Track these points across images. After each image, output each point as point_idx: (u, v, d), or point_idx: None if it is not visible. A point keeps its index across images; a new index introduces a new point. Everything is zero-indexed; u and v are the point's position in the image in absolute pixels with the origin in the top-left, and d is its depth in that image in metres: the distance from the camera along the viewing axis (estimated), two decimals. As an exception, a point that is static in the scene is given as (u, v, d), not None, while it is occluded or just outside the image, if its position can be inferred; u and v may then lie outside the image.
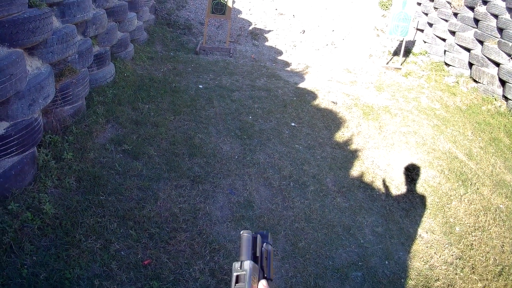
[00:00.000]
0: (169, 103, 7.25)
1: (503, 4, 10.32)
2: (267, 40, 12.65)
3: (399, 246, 5.05)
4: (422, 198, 5.99)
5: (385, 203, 5.74)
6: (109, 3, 7.35)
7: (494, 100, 9.96)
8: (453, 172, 6.72)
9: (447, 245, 5.20)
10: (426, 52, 13.21)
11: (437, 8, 13.10)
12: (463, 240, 5.34)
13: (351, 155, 6.77)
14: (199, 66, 9.82)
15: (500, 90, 10.08)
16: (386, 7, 14.43)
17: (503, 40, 10.03)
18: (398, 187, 6.18)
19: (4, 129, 3.94)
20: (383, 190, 6.06)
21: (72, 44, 5.38)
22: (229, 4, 11.12)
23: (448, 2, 12.53)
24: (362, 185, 6.06)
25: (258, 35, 12.72)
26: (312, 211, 5.23)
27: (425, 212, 5.74)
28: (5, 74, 3.67)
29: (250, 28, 12.97)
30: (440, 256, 5.00)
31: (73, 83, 5.52)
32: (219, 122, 6.98)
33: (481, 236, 5.46)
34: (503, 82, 9.99)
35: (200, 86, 8.41)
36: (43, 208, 3.97)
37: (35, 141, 4.39)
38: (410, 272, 4.68)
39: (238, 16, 13.24)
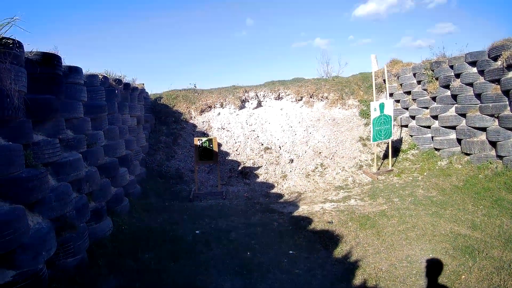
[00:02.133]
0: (168, 251, 7.32)
1: (475, 70, 11.24)
2: (258, 177, 13.12)
3: None
4: (430, 284, 5.92)
5: (393, 302, 5.68)
6: (100, 161, 7.84)
7: (489, 164, 10.33)
8: (458, 249, 6.74)
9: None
10: (414, 146, 13.83)
11: (415, 99, 14.07)
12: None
13: (352, 266, 6.74)
14: (194, 213, 10.02)
15: (493, 152, 10.56)
16: (368, 114, 15.16)
17: (483, 104, 10.73)
18: (403, 282, 6.11)
19: (11, 277, 4.17)
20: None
21: (69, 201, 5.73)
22: (215, 148, 11.74)
23: (424, 89, 13.51)
24: (366, 292, 6.02)
25: (248, 173, 13.22)
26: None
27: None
28: (9, 228, 3.99)
29: (240, 167, 13.53)
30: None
31: (73, 237, 5.74)
32: (218, 262, 6.99)
33: (498, 296, 5.33)
34: (493, 144, 10.48)
35: (197, 232, 8.51)
36: None
37: (40, 290, 4.51)
38: None
39: (227, 158, 13.90)
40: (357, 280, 6.31)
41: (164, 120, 15.31)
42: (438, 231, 7.59)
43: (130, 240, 7.57)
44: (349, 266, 6.79)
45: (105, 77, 9.44)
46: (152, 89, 16.29)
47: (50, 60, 5.98)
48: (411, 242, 7.30)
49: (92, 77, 8.61)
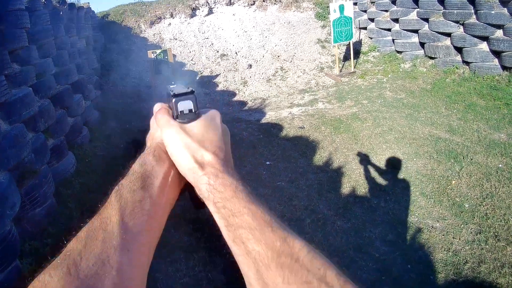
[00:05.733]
0: (139, 173, 6.96)
1: (439, -28, 10.57)
2: (217, 85, 12.64)
3: (416, 245, 4.83)
4: (421, 189, 5.84)
5: (386, 208, 5.53)
6: (52, 91, 7.05)
7: (455, 68, 10.32)
8: (442, 153, 6.68)
9: (462, 225, 5.01)
10: (375, 48, 13.57)
11: (374, 2, 13.54)
12: (476, 213, 5.18)
13: (336, 174, 6.56)
14: (157, 129, 9.56)
15: (458, 58, 10.44)
16: (324, 17, 14.81)
17: (447, 10, 10.37)
18: (393, 188, 5.98)
19: (-24, 248, 3.54)
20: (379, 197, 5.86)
21: (25, 145, 5.02)
22: (171, 60, 11.03)
23: (384, -9, 12.86)
24: (357, 200, 5.82)
25: (206, 82, 12.69)
26: (316, 243, 4.93)
27: (429, 202, 5.56)
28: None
29: (197, 77, 12.96)
30: (459, 239, 4.79)
31: (37, 184, 5.19)
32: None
33: (492, 202, 5.33)
34: (459, 49, 10.34)
35: (164, 146, 8.15)
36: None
37: (15, 254, 3.98)
38: (437, 266, 4.44)
39: (183, 69, 13.21)
40: (345, 189, 6.14)
41: (114, 38, 14.23)
42: (416, 134, 7.49)
43: (96, 172, 7.11)
44: (332, 174, 6.60)
45: (47, -1, 8.38)
46: (98, 8, 15.20)
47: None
48: (391, 146, 7.17)
49: (33, 0, 7.60)
